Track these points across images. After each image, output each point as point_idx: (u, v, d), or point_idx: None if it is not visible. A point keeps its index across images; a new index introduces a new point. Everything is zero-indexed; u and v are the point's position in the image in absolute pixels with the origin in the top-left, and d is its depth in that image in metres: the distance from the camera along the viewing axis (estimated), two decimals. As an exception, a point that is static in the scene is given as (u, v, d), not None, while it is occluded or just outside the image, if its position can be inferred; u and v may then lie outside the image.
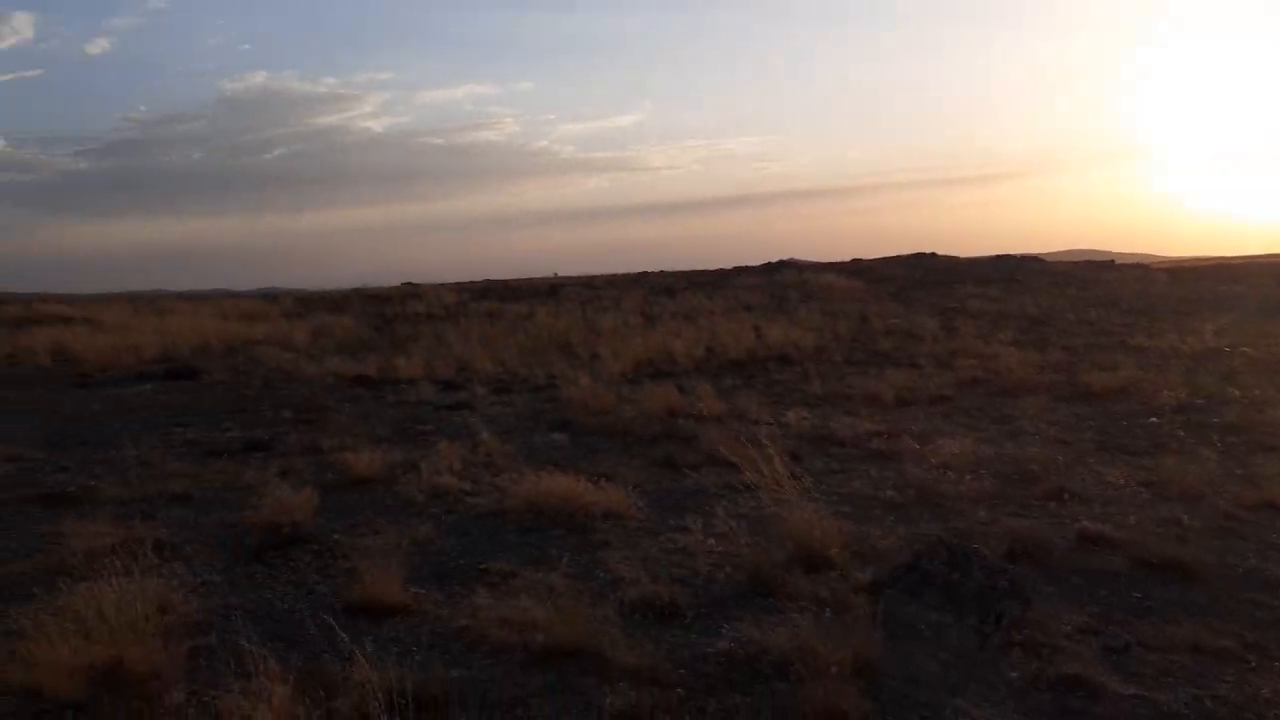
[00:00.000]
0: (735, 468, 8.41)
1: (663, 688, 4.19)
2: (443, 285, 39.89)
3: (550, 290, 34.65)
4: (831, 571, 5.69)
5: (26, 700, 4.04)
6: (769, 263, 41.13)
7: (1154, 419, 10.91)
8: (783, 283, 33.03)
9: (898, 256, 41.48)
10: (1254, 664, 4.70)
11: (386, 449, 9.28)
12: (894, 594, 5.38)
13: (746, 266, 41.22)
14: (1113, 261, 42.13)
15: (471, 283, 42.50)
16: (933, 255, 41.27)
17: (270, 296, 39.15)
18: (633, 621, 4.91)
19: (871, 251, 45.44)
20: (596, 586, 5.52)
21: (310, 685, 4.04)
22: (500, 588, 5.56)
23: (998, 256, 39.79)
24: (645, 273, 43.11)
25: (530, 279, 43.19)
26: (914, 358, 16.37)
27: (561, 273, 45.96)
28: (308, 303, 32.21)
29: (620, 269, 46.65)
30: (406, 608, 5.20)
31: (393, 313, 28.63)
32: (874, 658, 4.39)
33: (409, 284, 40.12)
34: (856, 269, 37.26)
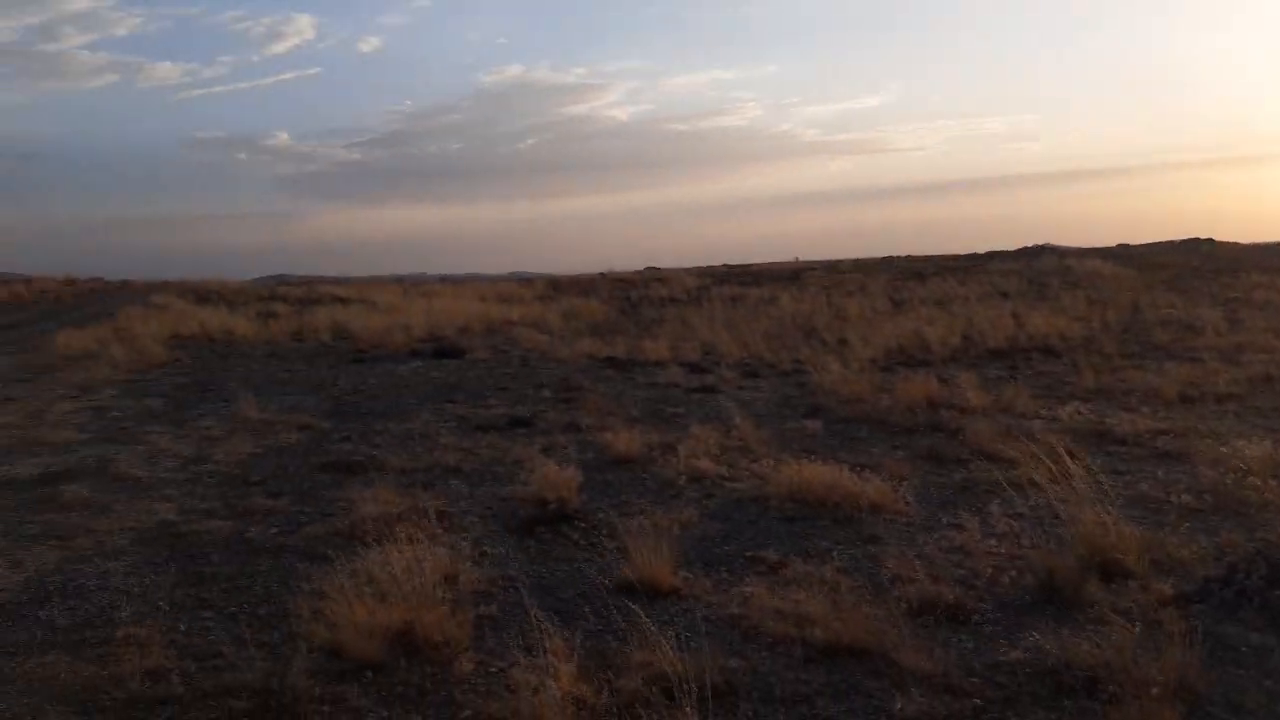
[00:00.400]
0: (1006, 463, 7.96)
1: (956, 696, 3.94)
2: (684, 269, 40.32)
3: (793, 275, 34.29)
4: (1130, 581, 5.23)
5: (330, 658, 4.27)
6: (1026, 247, 39.16)
7: None
8: (1042, 268, 31.30)
9: (1169, 242, 38.54)
10: None
11: (641, 430, 9.38)
12: (1205, 609, 4.90)
13: (1001, 251, 39.40)
14: None
15: (712, 267, 42.70)
16: (1209, 241, 38.07)
17: (523, 280, 40.77)
18: (915, 622, 4.67)
19: (1139, 236, 42.43)
20: (872, 583, 5.31)
21: (593, 663, 4.06)
22: (769, 577, 5.44)
23: (1287, 241, 36.24)
24: (891, 257, 41.96)
25: (771, 263, 42.95)
26: (1195, 351, 15.02)
27: (803, 257, 45.51)
28: (558, 286, 33.31)
29: (864, 253, 45.67)
30: (677, 591, 5.17)
31: (637, 296, 29.16)
32: (1192, 679, 3.97)
33: (652, 268, 40.83)
34: (1124, 255, 34.79)
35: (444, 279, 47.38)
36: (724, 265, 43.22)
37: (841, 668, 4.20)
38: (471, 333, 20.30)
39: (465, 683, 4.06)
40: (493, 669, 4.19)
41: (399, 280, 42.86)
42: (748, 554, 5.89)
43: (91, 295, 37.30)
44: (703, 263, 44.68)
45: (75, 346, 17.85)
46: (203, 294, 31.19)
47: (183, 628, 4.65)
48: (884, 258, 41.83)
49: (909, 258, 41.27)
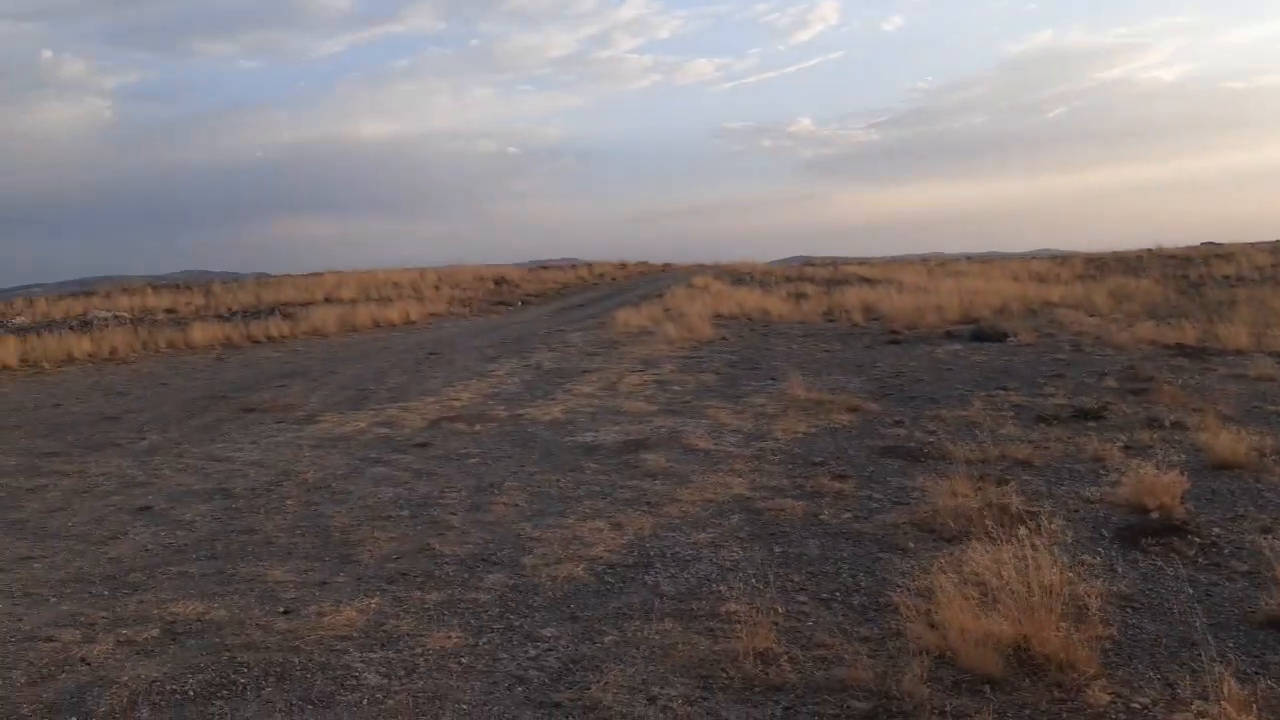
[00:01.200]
0: None
1: None
2: (1251, 244, 35.22)
3: (1401, 249, 28.54)
4: None
5: (940, 665, 3.97)
6: None
7: None
8: None
9: None
10: None
11: (1241, 430, 8.07)
12: None
13: None
14: None
15: (1286, 241, 36.86)
16: None
17: (1056, 257, 38.15)
18: None
19: None
20: None
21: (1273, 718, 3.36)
22: None
23: None
24: None
25: (1369, 236, 36.15)
26: None
27: None
28: (1099, 264, 30.65)
29: None
30: (1353, 635, 4.20)
31: (1197, 275, 25.90)
32: None
33: (1210, 243, 36.22)
34: None
35: (967, 257, 45.81)
36: (1301, 239, 37.13)
37: None
38: (1009, 314, 19.23)
39: (1104, 718, 3.55)
40: (1134, 705, 3.62)
41: (922, 259, 42.12)
42: None
43: (640, 277, 41.03)
44: (1273, 237, 38.73)
45: (633, 324, 19.57)
46: (737, 275, 32.89)
47: (780, 609, 4.62)
48: None
49: None
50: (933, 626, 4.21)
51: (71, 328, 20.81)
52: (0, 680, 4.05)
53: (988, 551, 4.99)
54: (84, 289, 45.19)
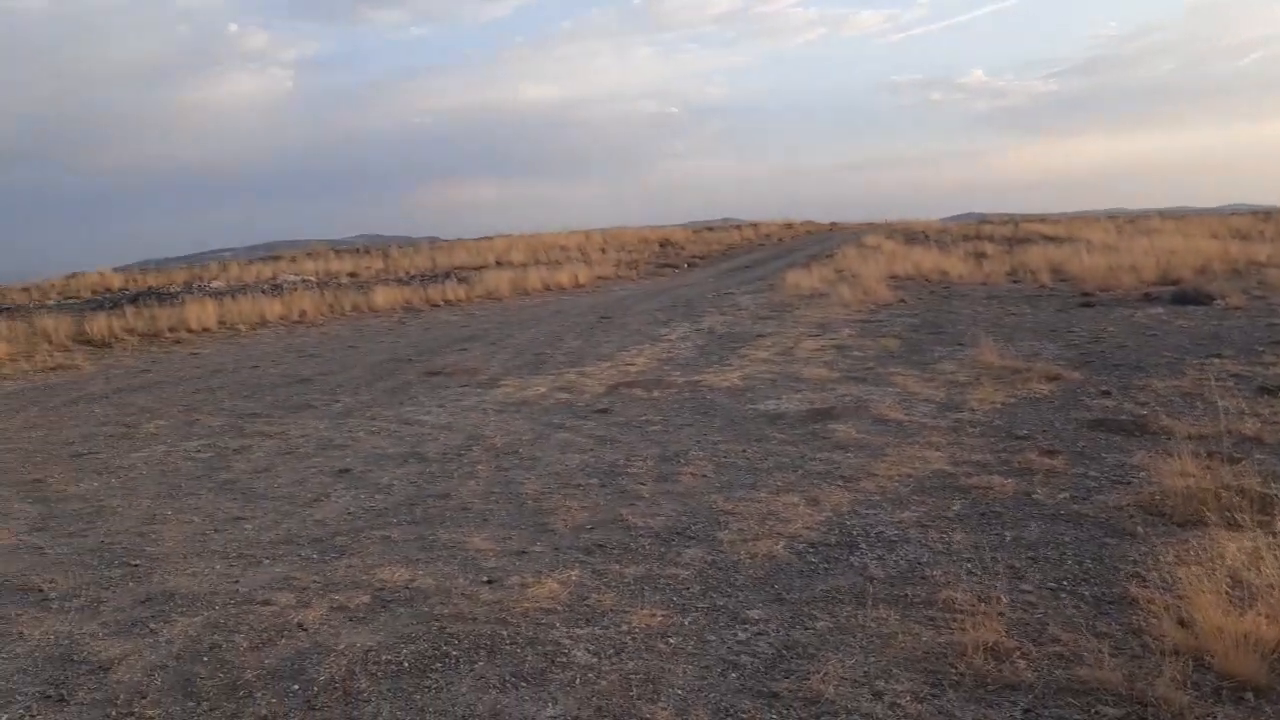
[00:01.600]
0: None
1: None
2: None
3: None
4: None
5: (1196, 668, 3.60)
6: None
7: None
8: None
9: None
10: None
11: None
12: None
13: None
14: None
15: None
16: None
17: (1258, 213, 35.40)
18: None
19: None
20: None
21: None
22: None
23: None
24: None
25: None
26: None
27: None
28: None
29: None
30: None
31: None
32: None
33: None
34: None
35: (1158, 214, 43.12)
36: None
37: None
38: (1212, 275, 17.92)
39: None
40: None
41: (1108, 216, 39.81)
42: None
43: (806, 237, 40.29)
44: None
45: (804, 286, 19.16)
46: (910, 234, 31.84)
47: (1004, 599, 4.31)
48: None
49: None
50: (1181, 624, 3.85)
51: (263, 291, 21.84)
52: (225, 643, 4.17)
53: (1232, 539, 4.59)
54: (270, 253, 47.59)
